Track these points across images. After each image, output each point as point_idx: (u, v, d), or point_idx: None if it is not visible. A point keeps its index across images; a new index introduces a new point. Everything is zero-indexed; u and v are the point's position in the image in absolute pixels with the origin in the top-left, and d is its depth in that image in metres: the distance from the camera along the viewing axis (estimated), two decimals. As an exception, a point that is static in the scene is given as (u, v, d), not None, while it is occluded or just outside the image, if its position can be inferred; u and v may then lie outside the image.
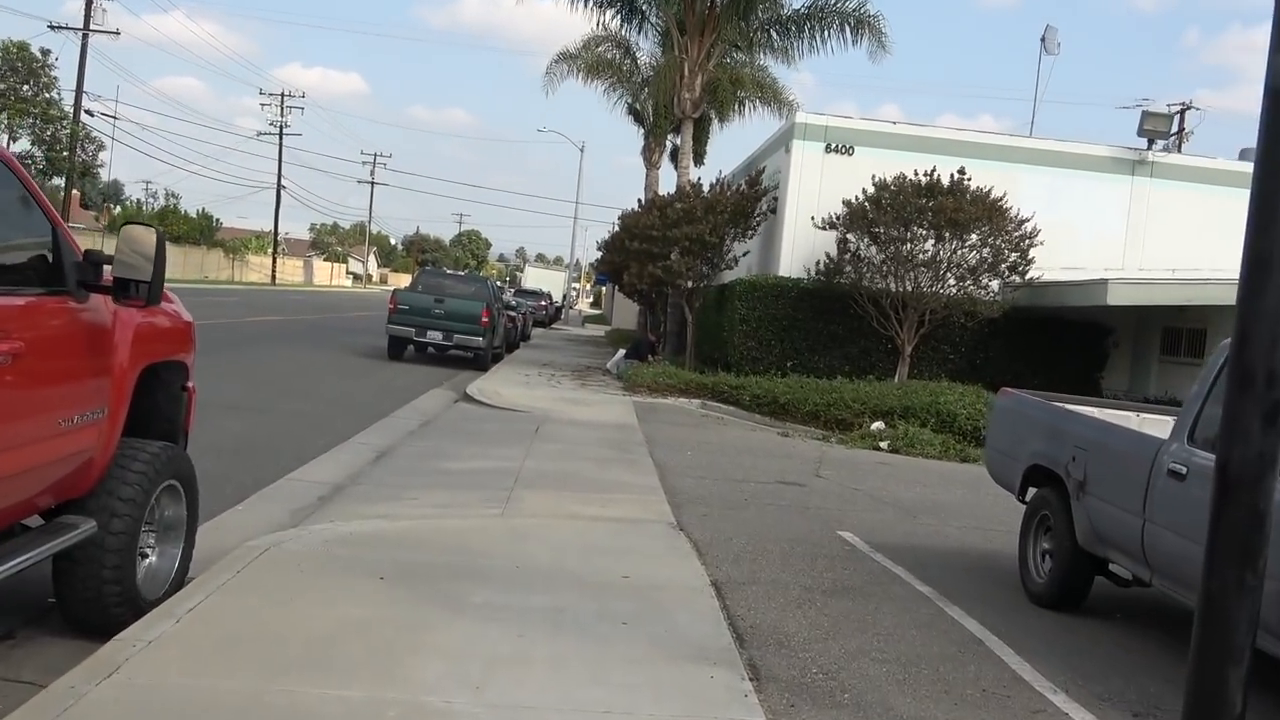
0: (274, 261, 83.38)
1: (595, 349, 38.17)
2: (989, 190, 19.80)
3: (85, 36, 53.02)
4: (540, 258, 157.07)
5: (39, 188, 5.03)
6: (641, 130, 40.73)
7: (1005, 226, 19.72)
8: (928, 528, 10.20)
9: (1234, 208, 21.78)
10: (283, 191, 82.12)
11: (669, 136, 39.88)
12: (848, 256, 20.67)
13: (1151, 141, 22.71)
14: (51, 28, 54.35)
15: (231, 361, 19.39)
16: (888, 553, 8.65)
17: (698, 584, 6.95)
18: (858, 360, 21.71)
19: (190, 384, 6.36)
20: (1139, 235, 22.68)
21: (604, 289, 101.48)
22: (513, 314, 32.60)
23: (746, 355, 21.99)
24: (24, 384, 4.51)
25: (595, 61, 37.64)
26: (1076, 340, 22.36)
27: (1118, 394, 22.50)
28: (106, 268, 5.05)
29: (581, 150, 62.54)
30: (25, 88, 51.01)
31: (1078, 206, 22.19)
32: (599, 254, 48.66)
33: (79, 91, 53.12)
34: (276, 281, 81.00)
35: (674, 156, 40.24)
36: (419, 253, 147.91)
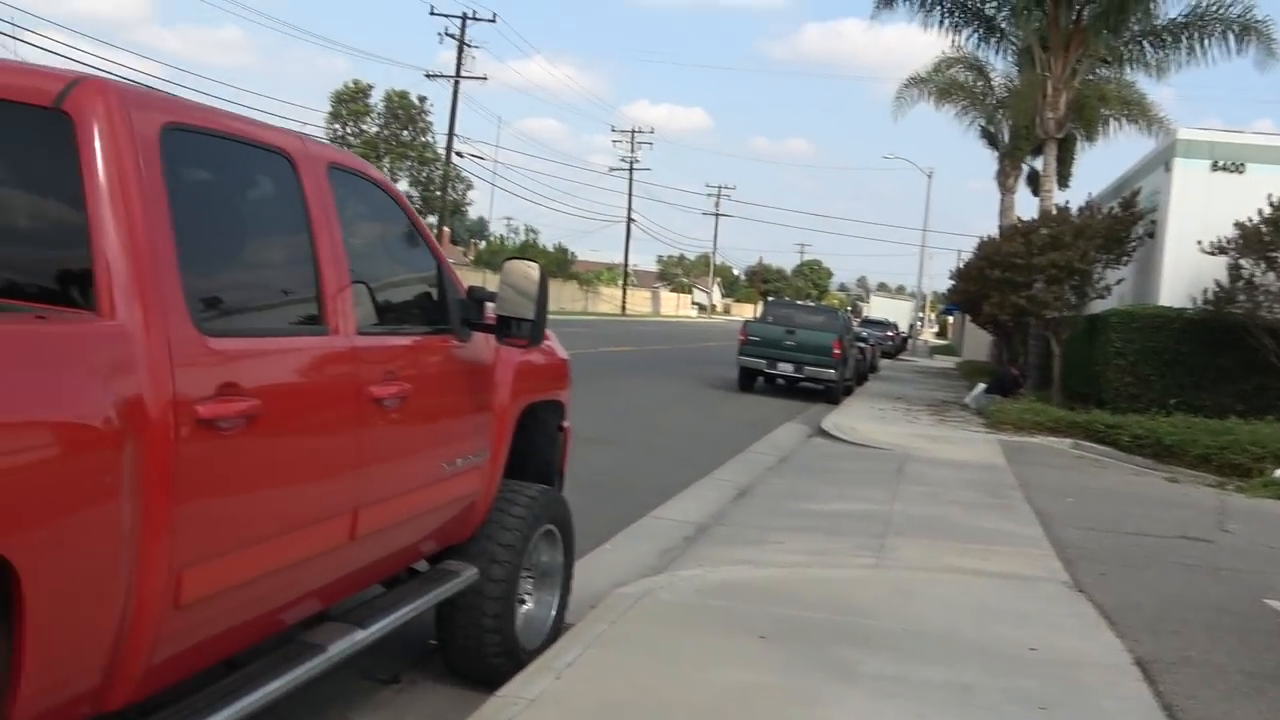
0: (624, 293, 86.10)
1: (947, 382, 36.74)
2: None
3: (456, 83, 56.73)
4: (883, 287, 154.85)
5: (424, 224, 4.93)
6: (995, 154, 39.19)
7: None
8: (1374, 598, 8.75)
9: None
10: (632, 225, 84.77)
11: (1026, 159, 38.14)
12: (1240, 284, 18.69)
13: None
14: (427, 77, 58.52)
15: (590, 392, 19.62)
16: (1333, 629, 7.40)
17: (1117, 661, 6.08)
18: (1251, 398, 19.55)
19: (566, 423, 6.16)
20: None
21: (950, 319, 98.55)
22: (862, 345, 31.85)
23: (1122, 391, 20.30)
24: (411, 427, 4.35)
25: (946, 84, 36.63)
26: None
27: None
28: (489, 305, 4.86)
29: (929, 177, 60.84)
30: (405, 133, 54.88)
31: None
32: (950, 282, 47.15)
33: (450, 135, 56.88)
34: (626, 312, 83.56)
35: (1031, 180, 38.46)
36: (761, 283, 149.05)
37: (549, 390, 5.85)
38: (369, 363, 3.99)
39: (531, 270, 4.77)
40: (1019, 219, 24.91)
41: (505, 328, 4.78)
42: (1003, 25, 26.64)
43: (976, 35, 27.46)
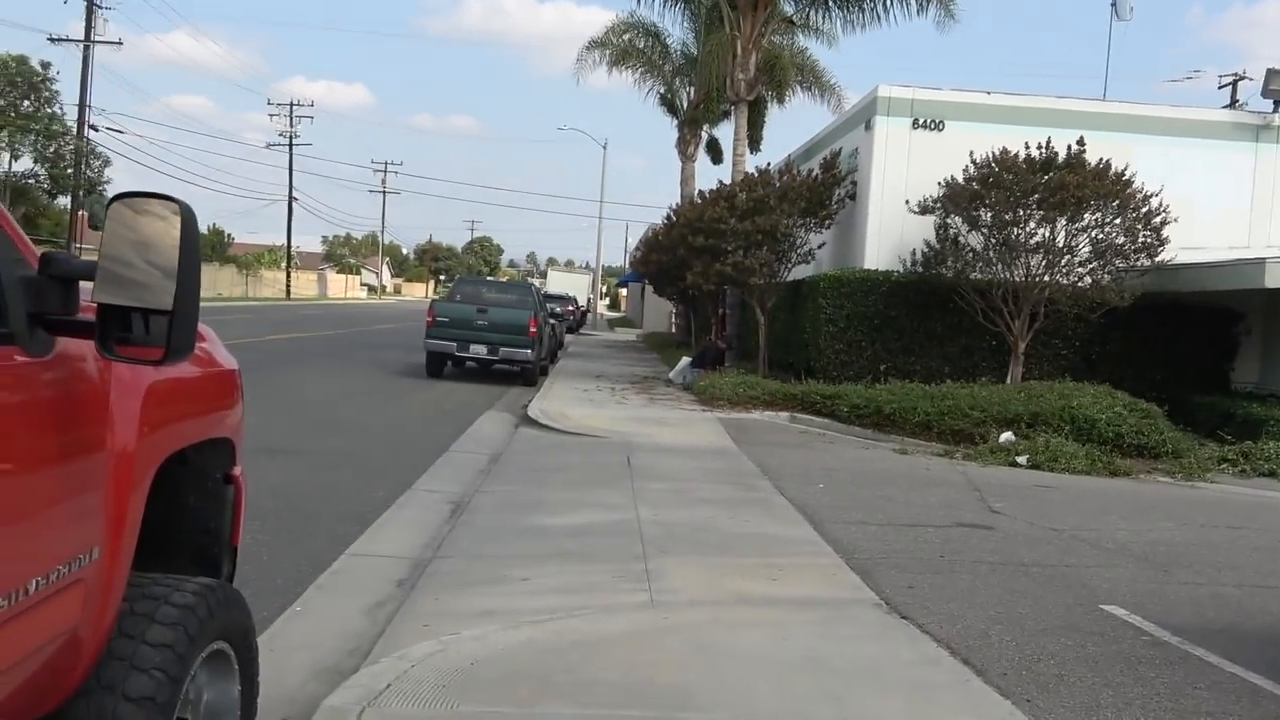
0: (288, 276, 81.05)
1: (638, 355, 35.73)
2: (1107, 163, 17.33)
3: (87, 49, 50.81)
4: (552, 261, 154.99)
5: None
6: (675, 121, 38.43)
7: (1132, 203, 17.23)
8: (1197, 589, 7.73)
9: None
10: (294, 204, 79.85)
11: (705, 127, 37.61)
12: (948, 244, 18.21)
13: (1278, 103, 20.18)
14: (51, 40, 52.25)
15: (255, 388, 16.98)
16: (1203, 642, 6.21)
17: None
18: (959, 360, 19.27)
19: (237, 469, 3.95)
20: (1265, 209, 20.19)
21: (624, 291, 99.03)
22: (555, 322, 30.10)
23: (833, 359, 19.54)
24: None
25: (623, 50, 35.63)
26: (1202, 329, 19.88)
27: (1248, 387, 20.06)
28: (85, 286, 2.64)
29: (604, 147, 59.73)
30: (26, 103, 48.73)
31: (1196, 179, 19.62)
32: (626, 255, 46.55)
33: (82, 106, 50.90)
34: (291, 296, 78.72)
35: (711, 148, 38.01)
36: (431, 261, 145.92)
37: (209, 422, 3.63)
38: None
39: (166, 216, 2.57)
40: (721, 183, 23.85)
41: (115, 327, 2.56)
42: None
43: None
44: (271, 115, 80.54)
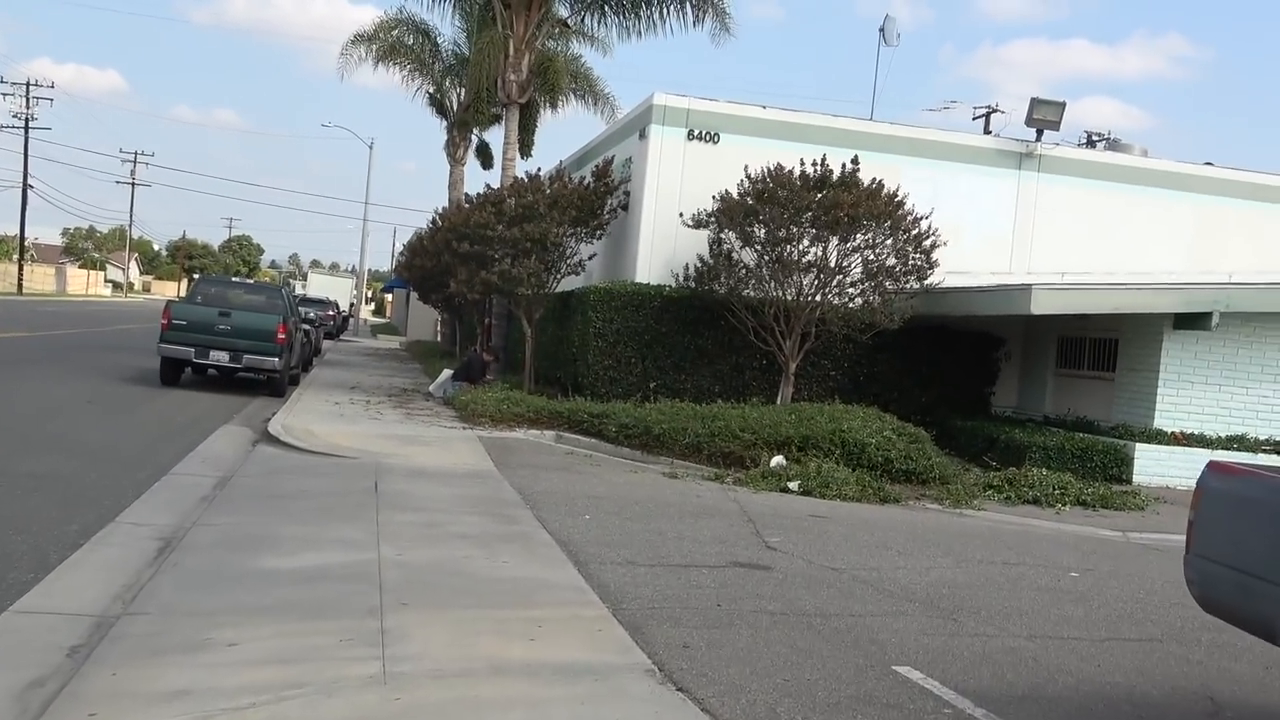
0: (19, 269, 75.10)
1: (400, 365, 34.15)
2: (880, 183, 17.13)
3: None
4: (315, 264, 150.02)
5: None
6: (445, 123, 37.09)
7: (903, 224, 17.07)
8: (990, 641, 7.14)
9: (1122, 204, 19.90)
10: (30, 191, 74.04)
11: (476, 130, 36.47)
12: (721, 260, 17.65)
13: (1040, 132, 20.55)
14: None
15: (-49, 398, 14.96)
16: (1009, 713, 5.55)
17: None
18: (730, 379, 18.76)
19: None
20: (1026, 235, 20.51)
21: (389, 297, 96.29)
22: (309, 328, 28.13)
23: (602, 375, 18.69)
24: None
25: (391, 46, 34.24)
26: (966, 353, 20.03)
27: (1006, 411, 20.35)
28: None
29: (370, 147, 57.66)
30: None
31: (962, 203, 19.78)
32: (393, 260, 44.85)
33: None
34: (23, 291, 72.93)
35: (481, 152, 36.86)
36: (185, 259, 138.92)
37: None
38: None
39: None
40: (489, 187, 22.71)
41: None
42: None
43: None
44: (5, 95, 74.58)
